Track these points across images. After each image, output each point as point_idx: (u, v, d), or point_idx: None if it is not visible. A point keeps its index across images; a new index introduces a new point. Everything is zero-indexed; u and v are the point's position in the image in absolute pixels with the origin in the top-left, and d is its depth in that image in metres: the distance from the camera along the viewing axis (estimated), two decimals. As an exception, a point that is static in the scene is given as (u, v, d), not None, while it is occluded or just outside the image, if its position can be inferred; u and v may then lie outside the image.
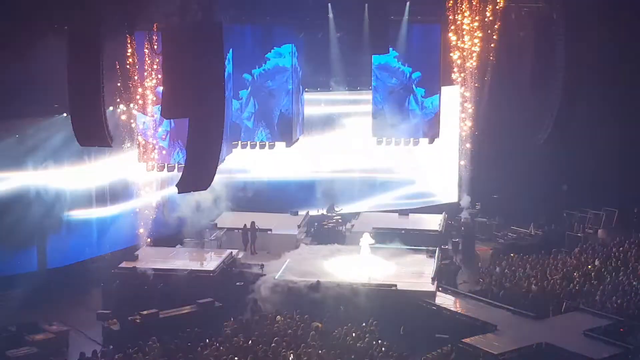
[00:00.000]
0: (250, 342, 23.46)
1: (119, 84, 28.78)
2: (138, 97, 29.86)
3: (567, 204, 35.66)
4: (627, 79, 33.85)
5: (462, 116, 36.62)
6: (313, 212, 35.84)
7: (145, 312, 25.77)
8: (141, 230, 31.75)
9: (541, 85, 32.92)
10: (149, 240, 31.91)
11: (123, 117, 30.16)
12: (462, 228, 35.20)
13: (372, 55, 33.17)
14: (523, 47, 34.08)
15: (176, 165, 30.17)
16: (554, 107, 32.80)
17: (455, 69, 35.51)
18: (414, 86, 34.23)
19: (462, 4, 33.72)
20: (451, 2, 33.52)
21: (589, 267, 29.71)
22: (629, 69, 33.35)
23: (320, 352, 22.88)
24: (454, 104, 36.55)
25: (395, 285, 27.67)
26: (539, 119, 30.57)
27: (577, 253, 31.39)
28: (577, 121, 31.88)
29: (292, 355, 22.66)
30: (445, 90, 35.02)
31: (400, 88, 34.28)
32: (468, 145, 36.69)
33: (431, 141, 34.85)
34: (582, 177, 35.37)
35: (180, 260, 30.21)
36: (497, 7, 33.53)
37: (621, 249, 31.35)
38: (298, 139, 35.33)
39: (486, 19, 34.06)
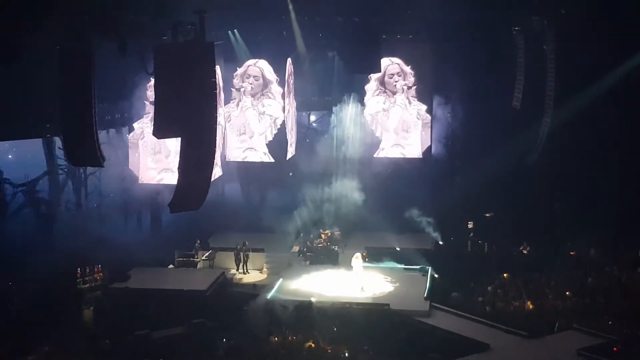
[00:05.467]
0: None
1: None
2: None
3: (560, 222, 35.59)
4: (621, 99, 33.86)
5: (453, 134, 36.81)
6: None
7: (137, 333, 25.65)
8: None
9: (532, 105, 33.13)
10: None
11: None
12: (455, 246, 35.12)
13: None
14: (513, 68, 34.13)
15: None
16: (544, 129, 33.01)
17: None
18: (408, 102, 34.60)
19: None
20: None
21: (582, 285, 29.68)
22: (622, 87, 33.37)
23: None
24: (444, 120, 36.79)
25: (388, 305, 27.63)
26: (530, 139, 30.66)
27: (570, 272, 31.35)
28: (569, 140, 31.98)
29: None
30: (436, 107, 35.32)
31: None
32: (460, 162, 36.80)
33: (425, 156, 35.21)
34: (575, 196, 35.34)
35: (173, 280, 30.10)
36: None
37: (614, 267, 31.33)
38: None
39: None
